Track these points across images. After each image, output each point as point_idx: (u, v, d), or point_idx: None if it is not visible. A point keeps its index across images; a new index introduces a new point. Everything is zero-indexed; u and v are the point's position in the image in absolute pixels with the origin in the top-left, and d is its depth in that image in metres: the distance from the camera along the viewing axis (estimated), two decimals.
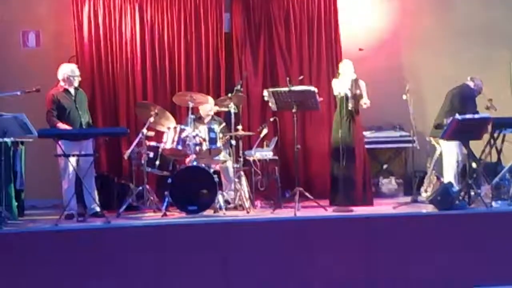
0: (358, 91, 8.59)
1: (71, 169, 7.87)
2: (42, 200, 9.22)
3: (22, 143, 8.27)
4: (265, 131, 8.88)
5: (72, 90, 8.23)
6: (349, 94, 8.52)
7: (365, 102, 8.62)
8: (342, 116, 8.62)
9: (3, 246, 6.58)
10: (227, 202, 8.31)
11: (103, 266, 6.62)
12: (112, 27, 9.79)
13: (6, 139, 7.55)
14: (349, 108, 8.51)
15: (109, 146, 9.50)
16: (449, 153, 8.71)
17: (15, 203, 7.93)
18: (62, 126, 8.01)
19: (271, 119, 9.19)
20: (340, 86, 8.63)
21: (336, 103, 8.90)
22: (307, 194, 8.19)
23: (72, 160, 7.83)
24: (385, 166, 10.16)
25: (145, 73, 9.83)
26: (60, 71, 8.26)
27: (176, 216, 7.86)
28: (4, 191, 7.28)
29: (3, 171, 7.24)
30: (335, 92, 8.73)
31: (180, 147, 8.13)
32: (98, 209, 8.05)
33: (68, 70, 8.25)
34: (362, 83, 8.70)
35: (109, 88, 9.79)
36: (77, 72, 8.32)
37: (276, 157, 8.95)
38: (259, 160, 8.82)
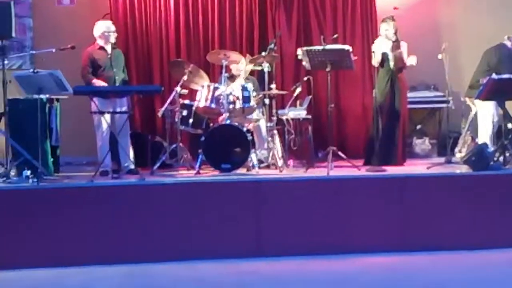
0: (399, 51, 8.49)
1: (105, 126, 7.94)
2: (77, 157, 9.31)
3: (57, 100, 8.33)
4: (298, 90, 8.85)
5: (108, 48, 8.27)
6: (389, 54, 8.42)
7: (409, 62, 8.51)
8: (383, 77, 8.55)
9: (40, 201, 6.67)
10: (260, 161, 8.32)
11: (138, 221, 6.70)
12: None
13: (41, 96, 7.61)
14: (391, 67, 8.41)
15: (143, 104, 9.57)
16: (485, 113, 8.61)
17: (51, 159, 8.02)
18: (97, 82, 8.07)
19: (305, 78, 9.15)
20: (380, 47, 8.53)
21: (374, 61, 8.77)
22: (340, 153, 8.15)
23: (107, 117, 7.90)
24: (419, 127, 10.07)
25: (178, 31, 9.83)
26: (95, 28, 8.30)
27: (209, 174, 7.90)
28: (40, 147, 7.34)
29: (39, 127, 7.31)
30: (374, 55, 8.60)
31: (213, 105, 8.13)
32: (132, 166, 8.13)
33: (103, 27, 8.28)
34: (404, 44, 8.58)
35: (143, 46, 9.82)
36: (113, 28, 8.34)
37: (310, 117, 8.93)
38: (292, 119, 8.80)
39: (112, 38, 8.33)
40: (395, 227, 6.88)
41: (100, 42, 8.28)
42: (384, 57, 8.48)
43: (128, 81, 8.61)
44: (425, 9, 10.15)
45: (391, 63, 8.42)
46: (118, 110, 8.07)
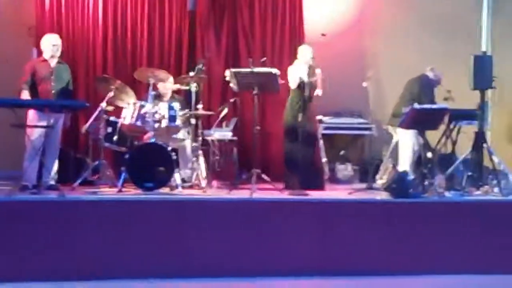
0: (314, 78, 8.58)
1: (36, 140, 7.77)
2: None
3: None
4: (225, 111, 8.88)
5: (52, 61, 8.24)
6: (305, 80, 8.49)
7: (316, 92, 8.61)
8: (295, 102, 8.60)
9: None
10: (183, 180, 8.29)
11: (56, 238, 6.56)
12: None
13: None
14: (305, 94, 8.47)
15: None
16: (406, 142, 8.79)
17: None
18: (24, 95, 7.97)
19: (232, 100, 9.19)
20: (297, 72, 8.60)
21: (292, 83, 8.85)
22: (264, 176, 8.20)
23: (38, 131, 7.79)
24: (342, 152, 10.20)
25: (106, 47, 9.74)
26: (42, 41, 8.30)
27: (132, 193, 7.81)
28: None
29: None
30: (290, 79, 8.65)
31: (139, 123, 8.07)
32: (53, 182, 7.97)
33: (51, 40, 8.26)
34: (318, 71, 8.67)
35: (69, 61, 9.57)
36: (59, 42, 8.31)
37: (235, 138, 8.97)
38: (217, 140, 8.83)
39: (57, 52, 8.26)
40: (315, 250, 6.92)
41: (46, 55, 8.23)
42: (300, 82, 8.54)
43: (70, 93, 8.48)
44: (352, 37, 10.35)
45: (306, 90, 8.47)
46: (52, 124, 7.95)
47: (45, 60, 8.23)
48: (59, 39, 8.39)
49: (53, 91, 8.13)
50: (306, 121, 8.52)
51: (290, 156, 8.56)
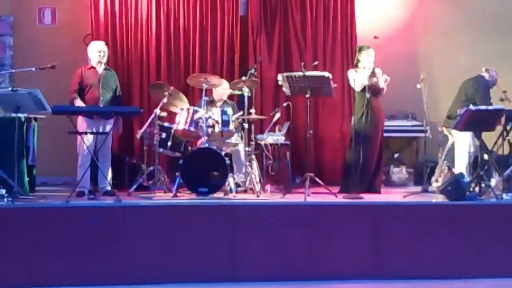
0: (375, 79, 8.53)
1: (85, 146, 7.91)
2: (53, 177, 9.26)
3: (35, 119, 8.29)
4: (277, 115, 8.87)
5: (100, 68, 8.35)
6: (367, 83, 8.44)
7: (385, 79, 8.54)
8: (360, 106, 8.55)
9: (15, 221, 6.61)
10: (237, 185, 8.31)
11: (112, 243, 6.66)
12: (128, 6, 9.79)
13: (19, 114, 7.56)
14: (367, 97, 8.40)
15: (123, 126, 9.49)
16: (462, 143, 8.69)
17: (26, 179, 7.95)
18: (77, 103, 8.07)
19: (284, 104, 9.16)
20: (361, 75, 8.52)
21: (353, 93, 8.81)
22: (317, 180, 8.17)
23: (89, 137, 7.93)
24: (396, 155, 10.13)
25: (159, 54, 9.83)
26: (89, 48, 8.45)
27: (186, 197, 7.87)
28: (17, 166, 7.29)
29: (15, 146, 7.26)
30: (357, 82, 8.54)
31: (192, 129, 8.14)
32: (109, 187, 8.09)
33: (96, 47, 8.39)
34: (379, 71, 8.62)
35: (123, 68, 9.79)
36: (104, 49, 8.42)
37: (288, 142, 8.95)
38: (270, 145, 8.82)
39: (104, 59, 8.36)
40: (371, 254, 6.89)
41: (92, 62, 8.33)
42: (365, 87, 8.48)
43: (119, 99, 8.60)
44: (404, 39, 10.26)
45: (367, 94, 8.41)
46: (101, 130, 8.09)
47: (92, 67, 8.35)
48: (105, 45, 8.51)
49: (101, 98, 8.25)
50: (371, 124, 8.49)
51: (350, 161, 8.47)
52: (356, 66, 8.62)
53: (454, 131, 8.66)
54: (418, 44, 10.35)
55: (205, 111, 8.15)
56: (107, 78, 8.37)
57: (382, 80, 8.56)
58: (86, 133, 7.91)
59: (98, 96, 8.24)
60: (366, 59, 8.54)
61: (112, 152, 8.65)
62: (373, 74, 8.52)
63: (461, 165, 8.63)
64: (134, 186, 8.19)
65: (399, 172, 9.83)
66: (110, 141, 8.29)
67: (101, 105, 8.22)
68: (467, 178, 7.98)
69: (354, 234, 6.91)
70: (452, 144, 8.96)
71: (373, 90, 8.48)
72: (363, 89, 8.44)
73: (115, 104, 8.38)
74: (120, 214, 6.87)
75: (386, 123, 9.49)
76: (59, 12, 9.92)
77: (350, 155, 8.61)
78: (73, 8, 9.88)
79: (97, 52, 8.33)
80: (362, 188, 8.31)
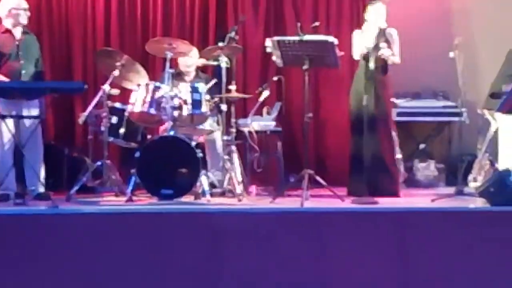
0: (383, 43, 8.53)
1: (7, 135, 7.86)
2: None
3: None
4: (266, 93, 8.88)
5: (17, 32, 8.26)
6: (371, 48, 8.44)
7: (392, 55, 8.56)
8: (361, 78, 8.57)
9: None
10: (212, 185, 8.35)
11: (46, 260, 6.64)
12: None
13: None
14: (370, 67, 8.42)
15: (59, 107, 9.51)
16: (508, 131, 8.73)
17: None
18: None
19: (275, 78, 9.18)
20: (364, 38, 8.57)
21: (356, 54, 8.84)
22: (318, 179, 8.20)
23: (9, 123, 7.85)
24: (422, 146, 10.18)
25: (108, 12, 9.85)
26: (0, 5, 8.27)
27: (145, 202, 7.90)
28: None
29: None
30: (355, 48, 8.65)
31: (153, 111, 8.14)
32: (42, 189, 8.07)
33: (11, 3, 8.26)
34: (393, 33, 8.65)
35: (61, 30, 9.78)
36: (24, 5, 8.32)
37: (280, 129, 8.97)
38: (256, 132, 8.82)
39: (23, 19, 8.31)
40: (391, 274, 6.90)
41: (7, 23, 8.27)
42: (367, 51, 8.50)
43: (43, 75, 8.55)
44: None
45: (371, 64, 8.40)
46: (25, 114, 8.02)
47: (7, 31, 8.27)
48: (25, 0, 8.41)
49: (22, 71, 8.20)
50: (375, 105, 8.50)
51: (355, 152, 8.55)
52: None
53: (498, 115, 8.69)
54: None
55: (170, 87, 8.15)
56: (28, 45, 8.34)
57: (397, 47, 8.58)
58: (5, 116, 7.84)
59: (18, 69, 8.18)
60: (373, 17, 8.58)
61: (46, 142, 8.63)
62: (383, 37, 8.52)
63: (507, 159, 8.67)
64: (76, 188, 8.18)
65: (426, 169, 9.86)
66: (39, 128, 8.22)
67: (24, 80, 8.16)
68: None
69: (367, 250, 6.92)
70: (496, 132, 8.99)
71: (380, 59, 8.48)
72: (366, 57, 8.44)
73: (40, 76, 8.36)
74: (57, 224, 6.84)
75: (409, 103, 9.54)
76: None
77: (353, 147, 8.64)
78: None
79: (14, 10, 8.26)
80: (377, 189, 8.33)
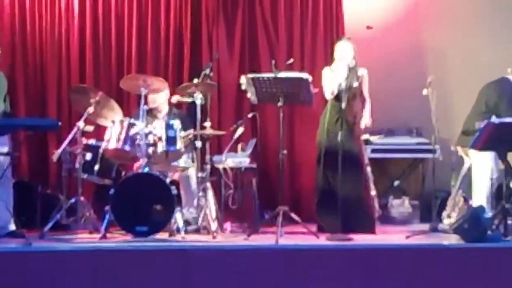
0: (355, 83, 8.57)
1: None
2: None
3: None
4: (240, 130, 8.89)
5: None
6: (344, 86, 8.47)
7: (364, 115, 8.68)
8: (332, 116, 8.60)
9: None
10: (187, 222, 8.31)
11: None
12: None
13: None
14: (342, 106, 8.44)
15: (32, 144, 9.47)
16: (481, 167, 8.75)
17: None
18: None
19: (249, 115, 9.21)
20: (334, 76, 8.59)
21: (328, 93, 8.86)
22: (293, 215, 8.20)
23: None
24: (396, 183, 10.21)
25: (83, 49, 9.85)
26: None
27: (119, 239, 7.85)
28: None
29: None
30: (325, 85, 8.65)
31: (127, 148, 8.12)
32: (14, 227, 8.02)
33: None
34: (364, 72, 8.68)
35: (35, 66, 9.77)
36: None
37: (254, 166, 8.96)
38: (231, 169, 8.83)
39: None
40: None
41: None
42: (339, 89, 8.51)
43: (10, 114, 8.49)
44: (407, 30, 10.35)
45: (343, 104, 8.42)
46: None
47: None
48: None
49: None
50: (348, 141, 8.51)
51: (325, 188, 8.55)
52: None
53: (471, 151, 8.71)
54: (424, 36, 10.46)
55: (145, 124, 8.14)
56: None
57: (366, 87, 8.63)
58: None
59: None
60: (339, 54, 8.63)
61: (19, 179, 8.59)
62: (355, 76, 8.56)
63: (481, 196, 8.68)
64: (49, 225, 8.10)
65: (400, 205, 9.88)
66: (9, 165, 8.17)
67: None
68: (488, 213, 8.03)
69: (343, 287, 6.92)
70: (469, 169, 9.02)
71: (351, 97, 8.52)
72: (339, 95, 8.47)
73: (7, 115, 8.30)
74: (30, 263, 6.80)
75: (383, 140, 9.56)
76: None
77: (323, 182, 8.64)
78: None
79: None
80: (351, 226, 8.31)
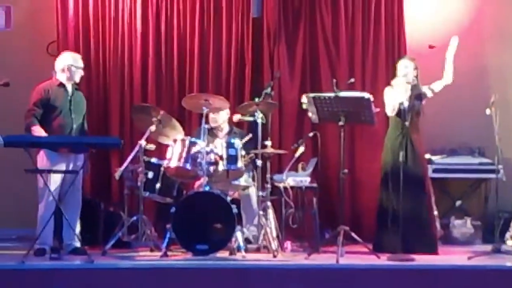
0: (417, 102, 8.52)
1: (52, 189, 7.89)
2: (5, 230, 9.28)
3: None
4: (301, 149, 8.88)
5: (69, 87, 8.33)
6: (406, 105, 8.43)
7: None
8: (395, 135, 8.56)
9: None
10: (247, 241, 8.32)
11: None
12: (106, 5, 9.91)
13: None
14: (406, 124, 8.41)
15: (96, 161, 9.53)
16: None
17: None
18: (37, 131, 8.06)
19: (310, 134, 9.17)
20: (395, 92, 8.55)
21: (389, 109, 8.81)
22: (354, 235, 8.16)
23: (55, 178, 7.92)
24: (458, 203, 10.10)
25: (146, 68, 9.92)
26: (59, 60, 8.42)
27: (180, 257, 7.87)
28: None
29: None
30: (387, 104, 8.62)
31: (188, 166, 8.16)
32: (78, 244, 8.09)
33: (69, 59, 8.39)
34: (427, 92, 8.61)
35: (99, 86, 9.86)
36: (81, 64, 8.44)
37: (315, 185, 8.93)
38: (292, 188, 8.81)
39: (78, 77, 8.40)
40: None
41: (62, 77, 8.35)
42: (401, 108, 8.50)
43: (87, 133, 8.59)
44: (471, 49, 10.22)
45: (407, 118, 8.39)
46: (71, 167, 8.12)
47: (61, 84, 8.35)
48: (81, 59, 8.52)
49: (74, 126, 8.26)
50: (411, 159, 8.47)
51: (388, 208, 8.49)
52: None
53: None
54: (488, 56, 10.36)
55: (206, 143, 8.17)
56: (78, 101, 8.40)
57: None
58: (50, 171, 7.90)
59: (69, 123, 8.23)
60: (402, 71, 8.59)
61: (82, 197, 8.68)
62: (416, 94, 8.51)
63: None
64: (111, 242, 8.18)
65: (462, 226, 9.77)
66: (80, 183, 8.29)
67: (73, 135, 8.23)
68: None
69: None
70: None
71: (414, 115, 8.47)
72: (399, 113, 8.43)
73: (84, 133, 8.42)
74: (92, 279, 6.86)
75: (445, 160, 9.48)
76: (16, 13, 10.01)
77: (384, 202, 8.59)
78: (34, 8, 9.99)
79: (73, 67, 8.34)
80: (413, 246, 8.24)
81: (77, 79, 8.39)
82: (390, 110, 8.56)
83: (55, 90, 8.26)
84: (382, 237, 8.52)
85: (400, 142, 8.48)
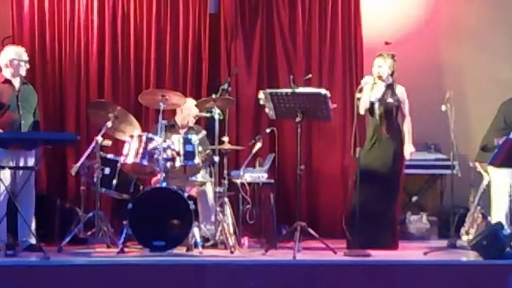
0: (389, 99, 8.54)
1: (3, 187, 7.83)
2: None
3: None
4: (258, 145, 8.89)
5: (16, 82, 8.25)
6: (376, 101, 8.49)
7: (405, 142, 8.69)
8: (370, 132, 8.62)
9: None
10: (204, 237, 8.30)
11: None
12: (62, 1, 9.82)
13: None
14: (376, 115, 8.49)
15: (52, 157, 9.49)
16: (500, 184, 8.71)
17: None
18: None
19: (268, 130, 9.19)
20: (364, 96, 8.54)
21: (357, 115, 8.82)
22: (311, 231, 8.18)
23: (6, 174, 7.84)
24: (414, 199, 10.18)
25: (102, 63, 9.87)
26: (1, 55, 8.30)
27: (136, 254, 7.86)
28: None
29: None
30: (361, 105, 8.56)
31: (145, 162, 8.13)
32: (33, 240, 8.03)
33: (12, 53, 8.29)
34: (401, 90, 8.69)
35: (55, 81, 9.79)
36: (25, 57, 8.34)
37: (272, 181, 8.96)
38: (249, 184, 8.81)
39: (23, 70, 8.31)
40: None
41: (6, 73, 8.26)
42: (373, 106, 8.54)
43: (39, 125, 8.53)
44: (426, 46, 10.33)
45: (377, 114, 8.45)
46: (22, 164, 8.03)
47: (7, 81, 8.25)
48: (25, 52, 8.42)
49: (22, 121, 8.17)
50: (384, 157, 8.56)
51: (361, 205, 8.44)
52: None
53: (490, 168, 8.69)
54: (443, 52, 10.44)
55: (163, 139, 8.16)
56: (26, 96, 8.32)
57: (406, 106, 8.61)
58: (2, 167, 7.84)
59: (17, 119, 8.15)
60: (375, 70, 8.63)
61: (37, 193, 8.61)
62: (389, 92, 8.55)
63: (499, 213, 8.65)
64: (67, 239, 8.13)
65: (418, 221, 9.84)
66: (33, 179, 8.21)
67: (23, 130, 8.16)
68: (507, 230, 8.00)
69: None
70: (488, 185, 8.99)
71: (387, 113, 8.51)
72: (371, 111, 8.48)
73: (34, 130, 8.34)
74: (48, 276, 6.81)
75: None
76: None
77: (355, 199, 8.60)
78: None
79: (16, 60, 8.28)
80: (372, 242, 8.27)
81: (22, 72, 8.29)
82: (362, 109, 8.55)
83: (1, 87, 8.19)
84: (358, 234, 8.49)
85: (372, 139, 8.59)
